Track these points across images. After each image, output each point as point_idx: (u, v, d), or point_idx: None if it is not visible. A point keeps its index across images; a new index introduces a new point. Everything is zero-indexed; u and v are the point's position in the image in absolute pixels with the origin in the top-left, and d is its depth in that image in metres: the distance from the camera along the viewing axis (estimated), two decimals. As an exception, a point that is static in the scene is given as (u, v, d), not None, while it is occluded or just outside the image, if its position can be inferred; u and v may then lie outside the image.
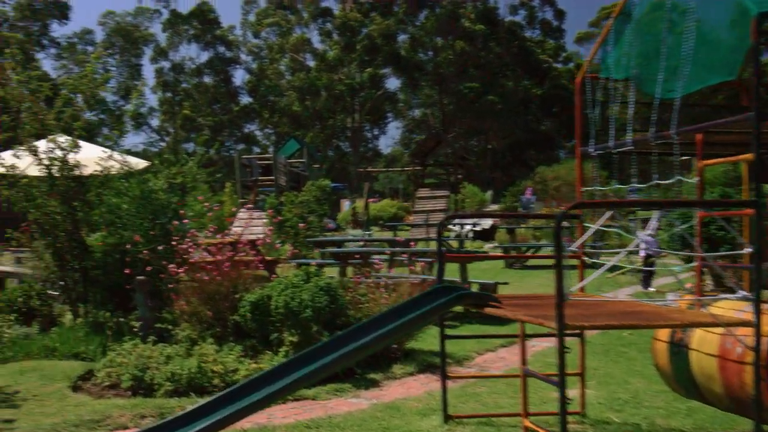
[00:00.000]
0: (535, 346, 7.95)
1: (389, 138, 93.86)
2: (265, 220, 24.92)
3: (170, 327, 7.39)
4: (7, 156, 8.81)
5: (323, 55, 62.65)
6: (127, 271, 8.14)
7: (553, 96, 65.11)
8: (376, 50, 61.22)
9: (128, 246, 8.52)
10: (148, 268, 8.16)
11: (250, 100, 66.71)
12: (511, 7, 69.95)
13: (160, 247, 8.55)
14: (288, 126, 63.44)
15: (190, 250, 8.51)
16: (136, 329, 7.64)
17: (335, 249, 12.69)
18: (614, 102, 5.57)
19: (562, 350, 3.44)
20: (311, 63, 64.99)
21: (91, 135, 9.47)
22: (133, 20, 65.77)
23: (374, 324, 4.05)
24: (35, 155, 8.62)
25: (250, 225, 25.04)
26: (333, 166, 61.28)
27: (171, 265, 7.95)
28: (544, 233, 20.59)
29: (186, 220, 8.78)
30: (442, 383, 5.27)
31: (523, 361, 5.08)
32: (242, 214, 25.34)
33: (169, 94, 64.91)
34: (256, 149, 65.65)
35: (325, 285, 6.95)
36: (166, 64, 66.08)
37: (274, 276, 8.75)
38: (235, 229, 21.12)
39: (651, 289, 11.32)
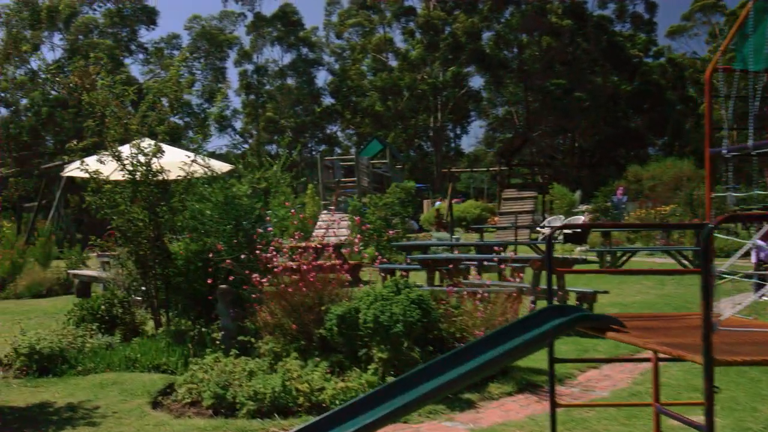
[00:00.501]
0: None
1: (472, 137, 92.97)
2: (348, 223, 24.75)
3: (253, 340, 7.09)
4: (92, 161, 8.71)
5: (406, 55, 62.36)
6: (209, 280, 7.91)
7: (643, 92, 63.21)
8: (460, 48, 60.57)
9: (211, 254, 8.27)
10: (231, 278, 7.90)
11: (333, 101, 66.97)
12: (600, 1, 68.20)
13: (242, 256, 8.30)
14: (370, 126, 63.38)
15: (274, 259, 8.24)
16: (218, 341, 7.37)
17: (422, 256, 12.23)
18: (754, 97, 4.92)
19: (710, 390, 2.91)
20: (393, 63, 64.82)
21: (175, 138, 9.31)
22: (218, 24, 66.86)
23: (478, 347, 3.61)
24: (119, 160, 8.48)
25: (333, 227, 24.93)
26: (415, 167, 60.90)
27: (254, 275, 7.67)
28: (638, 236, 19.72)
29: (270, 228, 8.49)
30: (551, 411, 4.77)
31: (656, 398, 4.52)
32: (324, 216, 25.28)
33: (252, 97, 65.80)
34: (338, 150, 65.91)
35: (416, 297, 6.51)
36: (249, 67, 66.99)
37: (360, 285, 8.38)
38: (317, 232, 21.01)
39: (765, 297, 10.51)
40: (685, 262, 14.34)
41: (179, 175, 8.95)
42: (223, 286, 8.10)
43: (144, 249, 8.38)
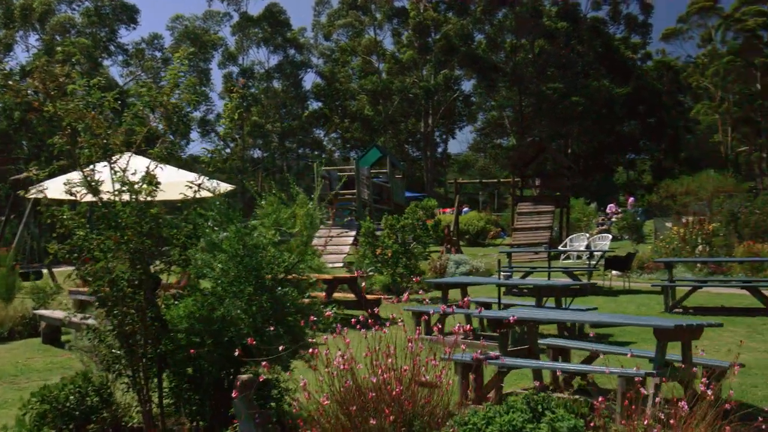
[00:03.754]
0: None
1: (462, 143, 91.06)
2: (350, 240, 22.30)
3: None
4: (54, 186, 6.38)
5: (397, 57, 60.10)
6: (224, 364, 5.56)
7: (638, 96, 61.32)
8: (453, 51, 58.42)
9: (227, 326, 5.93)
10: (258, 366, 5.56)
11: (320, 104, 64.54)
12: (594, 3, 66.21)
13: (270, 328, 5.97)
14: (359, 131, 61.06)
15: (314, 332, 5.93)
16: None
17: (489, 313, 9.84)
18: None
19: None
20: (382, 66, 62.53)
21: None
22: (202, 24, 64.14)
23: None
24: (95, 194, 6.12)
25: (331, 243, 22.51)
26: (406, 174, 58.68)
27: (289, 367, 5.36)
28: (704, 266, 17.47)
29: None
30: None
31: None
32: (322, 230, 22.90)
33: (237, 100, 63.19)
34: (324, 155, 63.47)
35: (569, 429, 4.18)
36: (234, 69, 64.34)
37: (376, 327, 6.03)
38: (316, 242, 18.55)
39: None
40: None
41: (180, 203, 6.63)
42: (244, 375, 5.76)
43: (131, 322, 5.98)
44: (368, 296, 13.78)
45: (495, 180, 37.40)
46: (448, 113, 62.24)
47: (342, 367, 4.86)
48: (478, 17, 61.05)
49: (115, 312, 5.94)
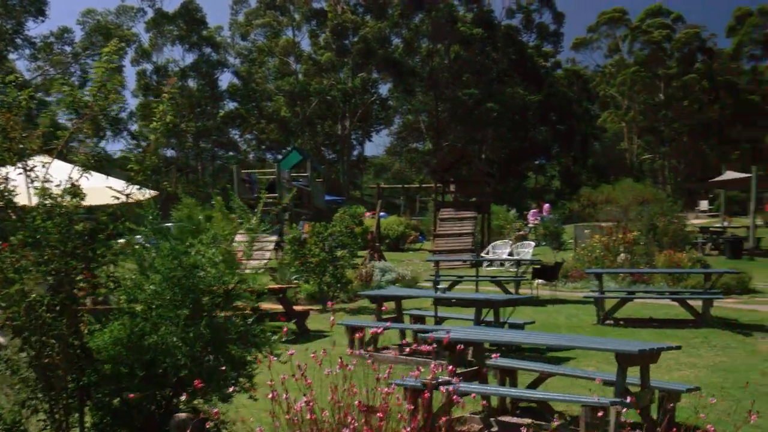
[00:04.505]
0: None
1: (378, 146, 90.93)
2: (271, 246, 21.52)
3: None
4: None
5: (315, 59, 59.33)
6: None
7: (550, 103, 62.33)
8: (370, 54, 58.09)
9: (162, 356, 5.27)
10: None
11: (236, 104, 63.11)
12: (508, 10, 67.04)
13: (209, 357, 5.34)
14: (276, 132, 60.03)
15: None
16: None
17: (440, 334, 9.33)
18: None
19: None
20: (299, 66, 61.65)
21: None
22: (115, 19, 61.79)
23: None
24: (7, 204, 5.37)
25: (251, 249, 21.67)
26: (325, 177, 57.99)
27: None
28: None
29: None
30: None
31: None
32: (240, 236, 22.10)
33: (151, 98, 61.03)
34: (239, 156, 62.13)
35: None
36: (148, 66, 62.25)
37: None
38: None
39: None
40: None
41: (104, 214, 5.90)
42: (181, 413, 5.11)
43: (51, 354, 5.24)
44: (296, 307, 13.14)
45: (417, 185, 37.14)
46: (365, 116, 61.90)
47: (309, 416, 4.27)
48: (395, 21, 60.91)
49: (32, 341, 5.19)
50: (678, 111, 70.03)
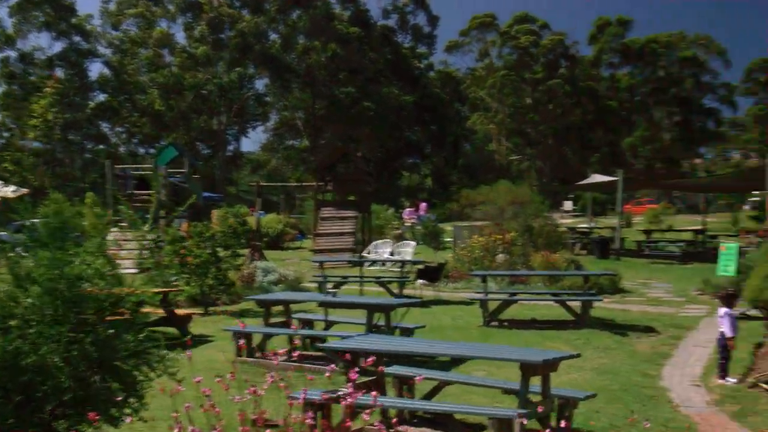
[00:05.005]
0: None
1: (255, 142, 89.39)
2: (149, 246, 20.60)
3: None
4: None
5: (190, 52, 57.58)
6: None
7: (423, 104, 63.09)
8: (247, 49, 56.97)
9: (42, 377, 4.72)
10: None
11: (107, 96, 60.33)
12: (384, 11, 67.34)
13: (95, 378, 4.84)
14: (149, 126, 57.89)
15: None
16: None
17: (338, 345, 8.97)
18: None
19: None
20: (173, 59, 59.66)
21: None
22: (-26, 3, 57.70)
23: None
24: None
25: (126, 247, 20.69)
26: (201, 173, 56.38)
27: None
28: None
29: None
30: None
31: None
32: (114, 233, 20.98)
33: (15, 87, 57.40)
34: (110, 149, 59.49)
35: None
36: (12, 54, 58.48)
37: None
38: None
39: (729, 381, 8.48)
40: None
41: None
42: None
43: None
44: (177, 311, 12.49)
45: (297, 183, 36.60)
46: (242, 111, 60.69)
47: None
48: (272, 16, 60.02)
49: None
50: (544, 114, 72.53)
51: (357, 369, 7.45)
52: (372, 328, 9.99)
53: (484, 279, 13.15)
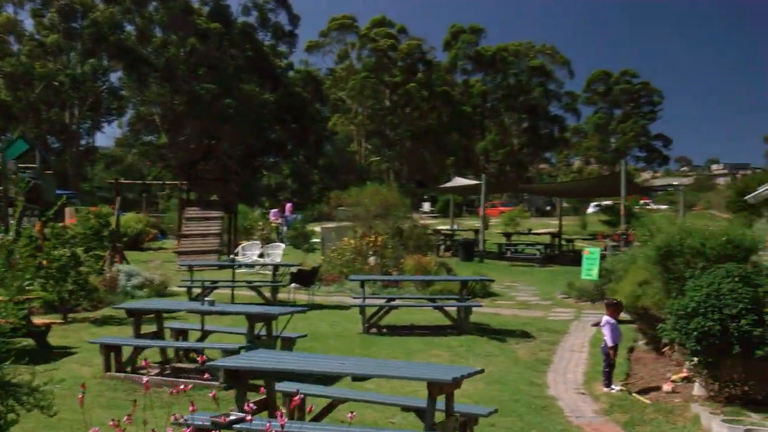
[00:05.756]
0: None
1: (110, 137, 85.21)
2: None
3: None
4: None
5: (39, 40, 54.02)
6: None
7: (285, 103, 62.26)
8: (101, 39, 54.13)
9: None
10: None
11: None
12: (244, 7, 65.88)
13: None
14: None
15: None
16: None
17: (225, 363, 8.29)
18: None
19: None
20: (21, 47, 55.83)
21: None
22: None
23: None
24: None
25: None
26: (54, 169, 52.90)
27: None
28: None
29: None
30: None
31: None
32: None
33: None
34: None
35: None
36: None
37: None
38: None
39: (613, 389, 8.54)
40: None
41: None
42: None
43: None
44: (34, 320, 11.35)
45: (161, 182, 34.96)
46: (96, 105, 57.60)
47: None
48: (127, 7, 57.33)
49: None
50: (402, 117, 73.45)
51: (245, 389, 6.93)
52: (254, 339, 9.42)
53: (362, 284, 12.81)
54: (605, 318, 8.65)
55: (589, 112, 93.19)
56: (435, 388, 5.81)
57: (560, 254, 24.68)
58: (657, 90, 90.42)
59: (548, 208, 64.87)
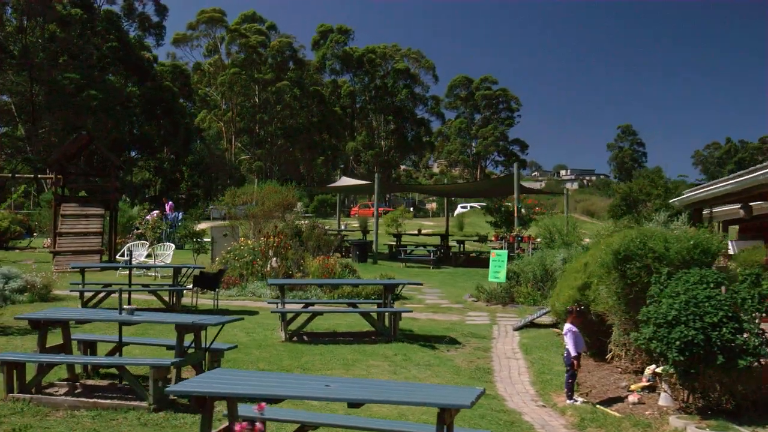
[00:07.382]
0: None
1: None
2: None
3: None
4: None
5: None
6: None
7: (154, 97, 59.30)
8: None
9: None
10: None
11: None
12: (108, -6, 62.20)
13: None
14: None
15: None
16: None
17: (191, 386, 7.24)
18: None
19: None
20: None
21: None
22: None
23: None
24: None
25: None
26: None
27: None
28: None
29: None
30: None
31: None
32: None
33: None
34: None
35: None
36: None
37: None
38: None
39: (577, 401, 8.13)
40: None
41: None
42: None
43: None
44: None
45: (31, 176, 32.07)
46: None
47: None
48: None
49: None
50: (272, 115, 71.97)
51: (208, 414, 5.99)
52: (184, 352, 8.40)
53: (281, 289, 11.93)
54: (567, 326, 8.22)
55: (453, 116, 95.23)
56: (447, 414, 5.13)
57: (453, 256, 24.56)
58: (515, 97, 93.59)
59: (410, 210, 65.16)
